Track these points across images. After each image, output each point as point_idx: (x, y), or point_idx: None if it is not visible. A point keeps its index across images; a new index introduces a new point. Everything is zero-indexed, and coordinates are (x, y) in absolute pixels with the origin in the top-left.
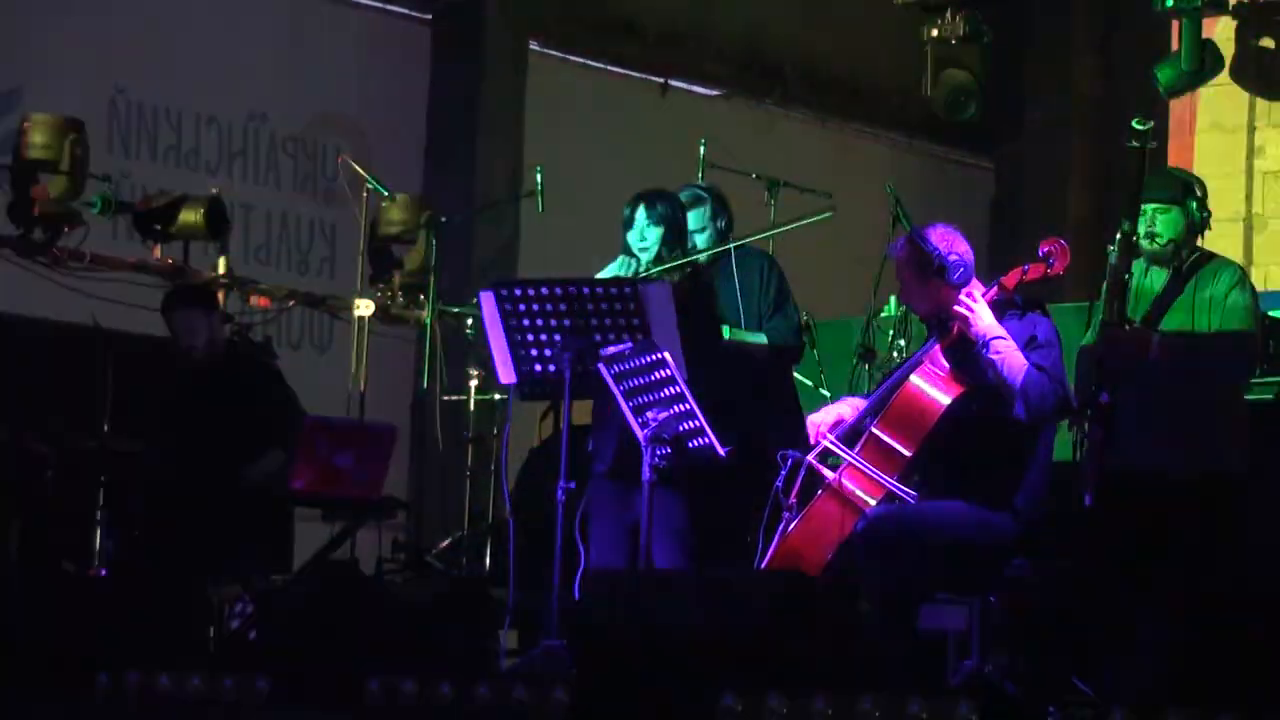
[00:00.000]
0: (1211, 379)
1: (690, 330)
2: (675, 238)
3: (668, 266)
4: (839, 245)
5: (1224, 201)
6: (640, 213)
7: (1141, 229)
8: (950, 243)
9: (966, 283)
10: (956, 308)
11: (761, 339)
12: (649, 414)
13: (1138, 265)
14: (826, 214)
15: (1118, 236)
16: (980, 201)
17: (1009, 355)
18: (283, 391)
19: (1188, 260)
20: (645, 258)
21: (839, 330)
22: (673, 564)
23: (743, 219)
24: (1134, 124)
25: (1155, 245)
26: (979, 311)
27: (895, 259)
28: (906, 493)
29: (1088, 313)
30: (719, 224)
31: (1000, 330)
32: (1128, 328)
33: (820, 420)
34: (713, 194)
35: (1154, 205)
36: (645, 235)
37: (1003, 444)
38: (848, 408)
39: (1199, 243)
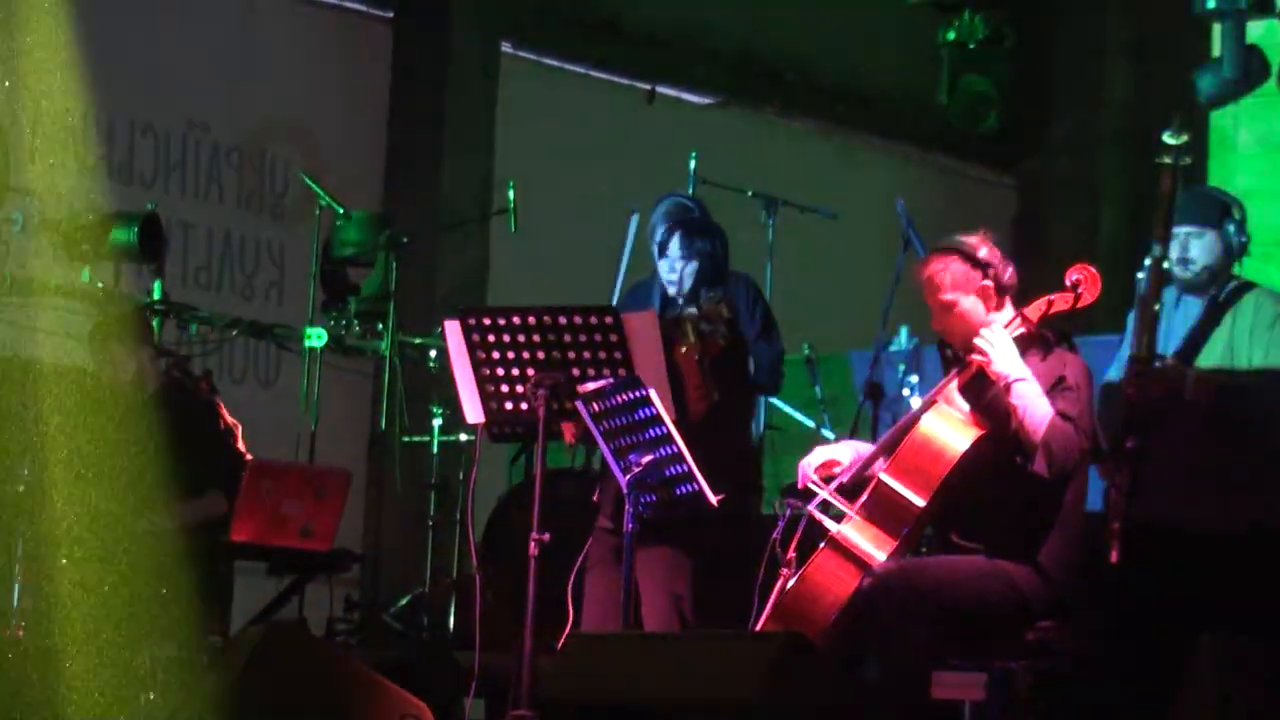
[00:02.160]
0: (1253, 422)
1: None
2: (715, 277)
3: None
4: (844, 270)
5: (1272, 221)
6: (676, 243)
7: (1174, 254)
8: (990, 247)
9: (1014, 287)
10: (976, 340)
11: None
12: (632, 457)
13: (1169, 294)
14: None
15: (1147, 262)
16: (1001, 223)
17: (1031, 402)
18: (224, 430)
19: (1225, 289)
20: (672, 291)
21: (843, 365)
22: (664, 629)
23: (737, 241)
24: (1165, 137)
25: (1189, 272)
26: (1000, 348)
27: (930, 273)
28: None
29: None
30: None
31: (1023, 371)
32: (1158, 364)
33: (808, 462)
34: (700, 208)
35: (1187, 228)
36: (676, 268)
37: (1027, 493)
38: (848, 450)
39: (1237, 270)
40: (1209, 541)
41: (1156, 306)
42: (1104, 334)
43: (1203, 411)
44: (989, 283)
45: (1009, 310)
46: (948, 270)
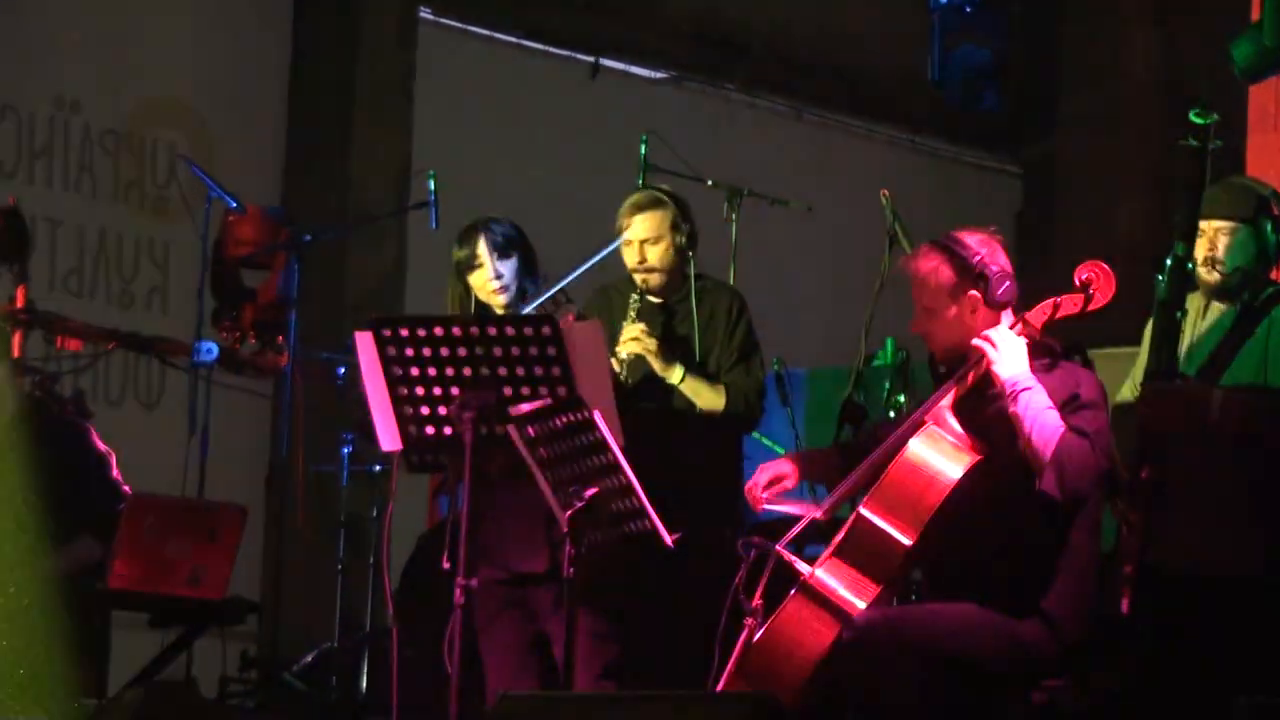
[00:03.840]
0: None
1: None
2: (532, 265)
3: (543, 299)
4: (821, 272)
5: None
6: (481, 245)
7: (1200, 253)
8: (991, 251)
9: (1009, 303)
10: (977, 342)
11: (719, 394)
12: (572, 489)
13: (1194, 301)
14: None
15: (1168, 263)
16: (1003, 215)
17: (1040, 414)
18: (97, 460)
19: (1260, 295)
20: (506, 298)
21: (820, 382)
22: (590, 676)
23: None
24: (1192, 116)
25: (1217, 275)
26: (1007, 350)
27: (914, 271)
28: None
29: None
30: (678, 238)
31: (1031, 380)
32: (1179, 382)
33: (760, 485)
34: (675, 199)
35: (1216, 224)
36: (500, 270)
37: (1031, 530)
38: (790, 464)
39: (1274, 274)
40: (1237, 588)
41: (1178, 314)
42: (1123, 345)
43: (1230, 438)
44: (977, 294)
45: (1007, 318)
46: (934, 273)
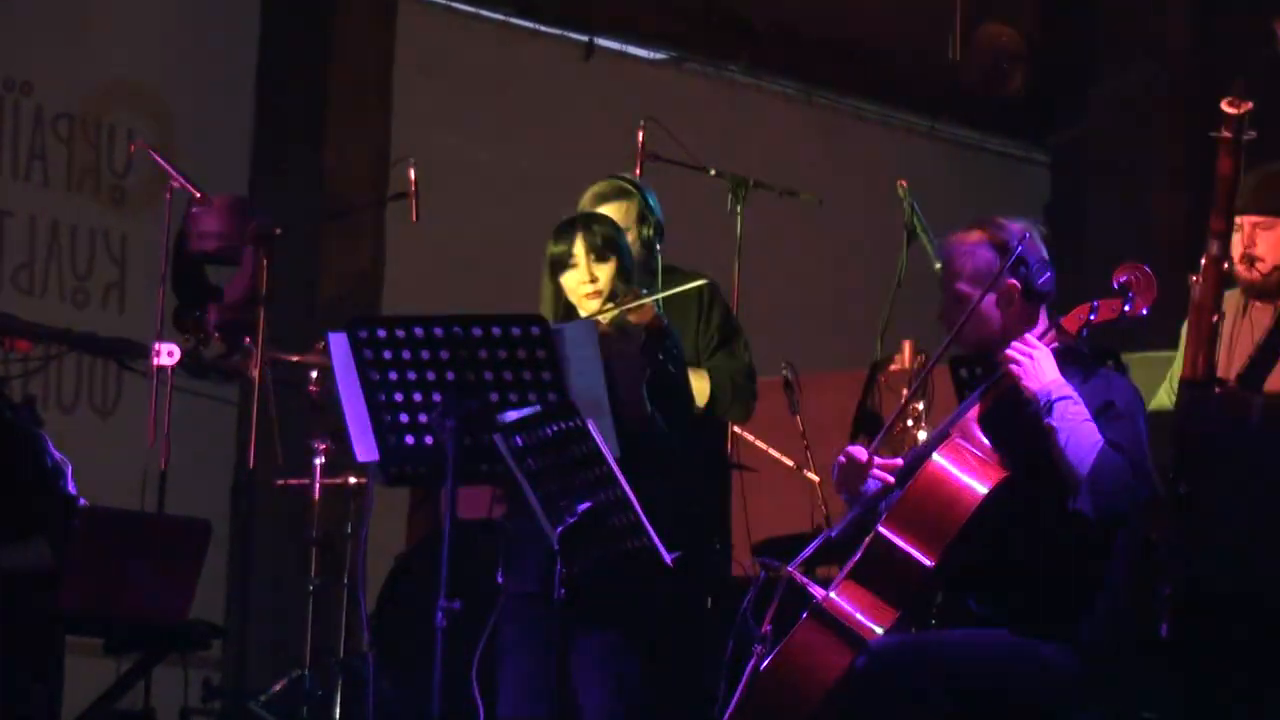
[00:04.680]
0: None
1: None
2: (630, 269)
3: (631, 306)
4: (833, 269)
5: None
6: (579, 245)
7: (1236, 250)
8: (1032, 239)
9: (1048, 297)
10: (1009, 351)
11: (703, 379)
12: (563, 504)
13: (1233, 300)
14: (700, 281)
15: (1203, 262)
16: (1030, 209)
17: (1076, 426)
18: (50, 469)
19: None
20: (598, 304)
21: (832, 389)
22: (607, 713)
23: (697, 228)
24: (1224, 106)
25: (1256, 273)
26: (1039, 361)
27: (952, 250)
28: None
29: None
30: (645, 230)
31: (1067, 389)
32: (1219, 389)
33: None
34: (640, 189)
35: (1253, 218)
36: (596, 274)
37: (1061, 551)
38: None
39: None
40: None
41: (1215, 317)
42: (1161, 349)
43: (1273, 447)
44: (1016, 283)
45: (1043, 322)
46: (971, 256)
